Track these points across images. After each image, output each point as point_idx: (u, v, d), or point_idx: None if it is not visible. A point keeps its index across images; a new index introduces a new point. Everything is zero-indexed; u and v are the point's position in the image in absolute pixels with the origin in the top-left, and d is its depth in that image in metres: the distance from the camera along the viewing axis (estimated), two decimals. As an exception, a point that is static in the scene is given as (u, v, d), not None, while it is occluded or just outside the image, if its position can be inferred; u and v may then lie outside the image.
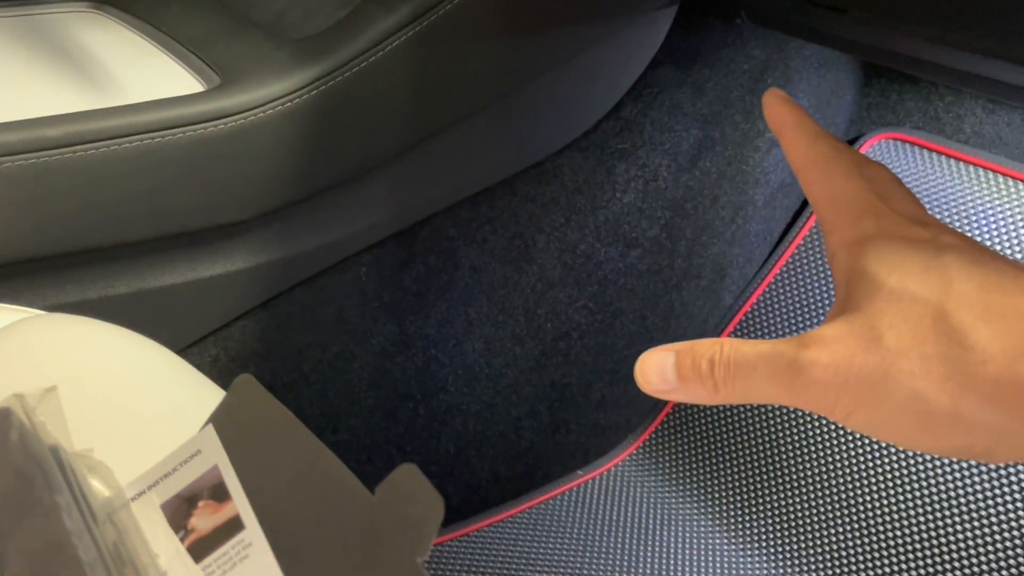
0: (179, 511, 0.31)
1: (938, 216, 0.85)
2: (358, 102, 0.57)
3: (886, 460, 0.76)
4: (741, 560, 0.78)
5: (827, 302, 0.87)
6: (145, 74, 0.58)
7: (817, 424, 0.82)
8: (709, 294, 0.89)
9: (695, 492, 0.84)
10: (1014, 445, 0.24)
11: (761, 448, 0.84)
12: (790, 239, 0.92)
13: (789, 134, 0.33)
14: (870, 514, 0.73)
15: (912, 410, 0.25)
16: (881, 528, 0.73)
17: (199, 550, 0.31)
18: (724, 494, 0.82)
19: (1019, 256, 0.76)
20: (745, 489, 0.82)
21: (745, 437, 0.85)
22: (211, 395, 0.42)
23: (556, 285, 0.77)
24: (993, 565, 0.66)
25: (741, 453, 0.85)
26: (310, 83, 0.55)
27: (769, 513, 0.79)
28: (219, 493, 0.31)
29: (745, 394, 0.27)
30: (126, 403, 0.38)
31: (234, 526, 0.30)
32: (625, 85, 0.72)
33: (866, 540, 0.73)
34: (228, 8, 0.64)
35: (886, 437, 0.26)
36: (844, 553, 0.74)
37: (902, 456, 0.74)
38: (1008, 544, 0.66)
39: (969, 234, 0.81)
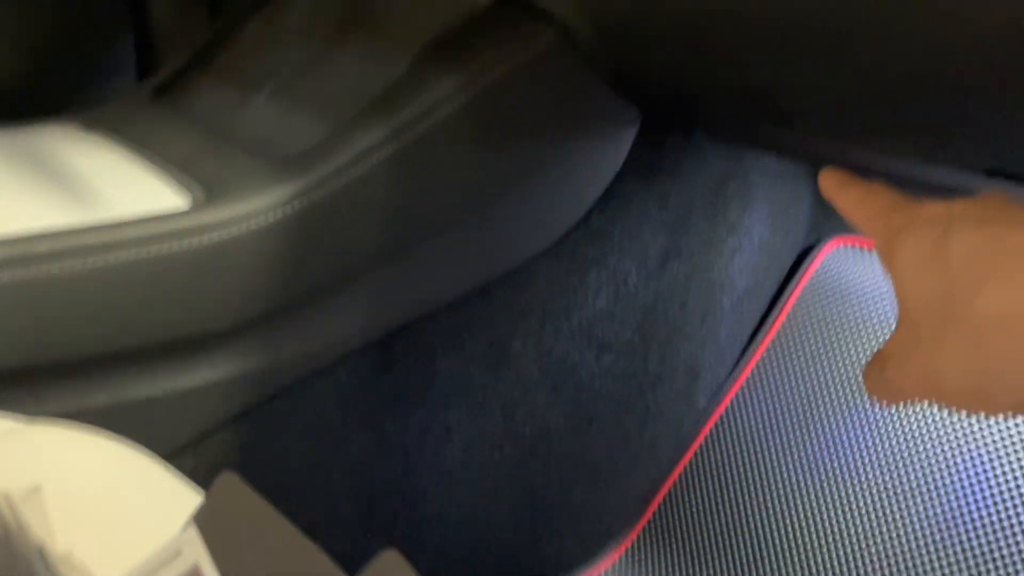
0: (160, 612, 0.31)
1: (892, 315, 0.88)
2: (338, 216, 0.60)
3: None
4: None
5: (798, 401, 0.88)
6: (130, 191, 0.60)
7: (798, 541, 0.82)
8: (683, 397, 0.90)
9: (679, 599, 0.82)
10: None
11: (743, 560, 0.83)
12: (759, 342, 0.94)
13: (836, 191, 0.38)
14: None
15: (962, 394, 0.29)
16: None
17: (180, 651, 0.30)
18: (709, 599, 0.81)
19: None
20: (729, 593, 0.81)
21: (726, 549, 0.84)
22: (192, 498, 0.42)
23: (533, 389, 0.78)
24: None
25: (722, 565, 0.84)
26: (291, 198, 0.58)
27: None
28: (201, 592, 0.31)
29: (894, 400, 0.34)
30: (106, 506, 0.38)
31: (216, 625, 0.30)
32: (593, 195, 0.75)
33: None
34: (212, 129, 0.67)
35: (961, 409, 0.31)
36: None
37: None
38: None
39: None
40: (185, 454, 0.61)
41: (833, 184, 0.39)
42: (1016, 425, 0.79)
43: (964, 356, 0.28)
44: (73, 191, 0.59)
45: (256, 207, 0.57)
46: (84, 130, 0.69)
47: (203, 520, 0.34)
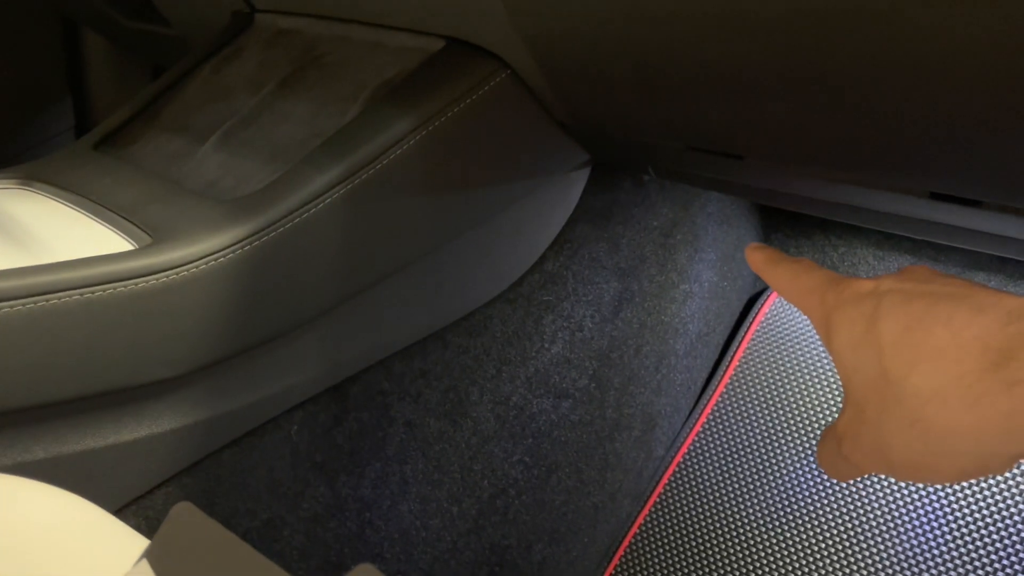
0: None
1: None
2: (290, 257, 0.58)
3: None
4: None
5: (754, 447, 0.88)
6: (75, 238, 0.58)
7: None
8: (641, 445, 0.90)
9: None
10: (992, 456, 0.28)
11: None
12: (712, 389, 0.94)
13: (764, 268, 0.39)
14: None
15: (913, 468, 0.29)
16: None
17: None
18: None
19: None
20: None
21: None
22: (139, 545, 0.39)
23: (491, 439, 0.76)
24: None
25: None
26: (243, 239, 0.56)
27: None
28: (156, 627, 0.29)
29: (845, 478, 0.36)
30: (51, 553, 0.35)
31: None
32: (546, 240, 0.76)
33: None
34: (160, 178, 0.65)
35: (903, 480, 0.32)
36: None
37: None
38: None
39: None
40: (128, 512, 0.58)
41: (761, 261, 0.40)
42: (968, 459, 0.80)
43: (905, 432, 0.29)
44: (13, 238, 0.56)
45: (206, 249, 0.55)
46: (24, 180, 0.67)
47: (156, 554, 0.31)
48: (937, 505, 0.79)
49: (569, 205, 0.77)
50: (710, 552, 0.84)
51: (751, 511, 0.85)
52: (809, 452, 0.86)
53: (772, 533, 0.83)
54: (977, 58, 0.38)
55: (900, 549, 0.77)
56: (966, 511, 0.77)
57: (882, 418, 0.29)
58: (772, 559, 0.81)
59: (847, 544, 0.79)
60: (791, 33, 0.44)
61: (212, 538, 0.30)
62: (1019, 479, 0.77)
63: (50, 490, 0.40)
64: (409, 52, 0.66)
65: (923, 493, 0.79)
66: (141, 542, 0.40)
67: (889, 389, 0.28)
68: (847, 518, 0.81)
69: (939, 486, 0.80)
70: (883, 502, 0.80)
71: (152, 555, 0.31)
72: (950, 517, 0.77)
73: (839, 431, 0.33)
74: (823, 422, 0.86)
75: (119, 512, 0.57)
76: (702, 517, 0.87)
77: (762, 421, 0.90)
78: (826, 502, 0.82)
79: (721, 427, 0.91)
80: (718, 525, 0.85)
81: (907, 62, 0.43)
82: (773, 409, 0.90)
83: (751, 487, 0.86)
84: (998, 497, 0.77)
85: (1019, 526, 0.75)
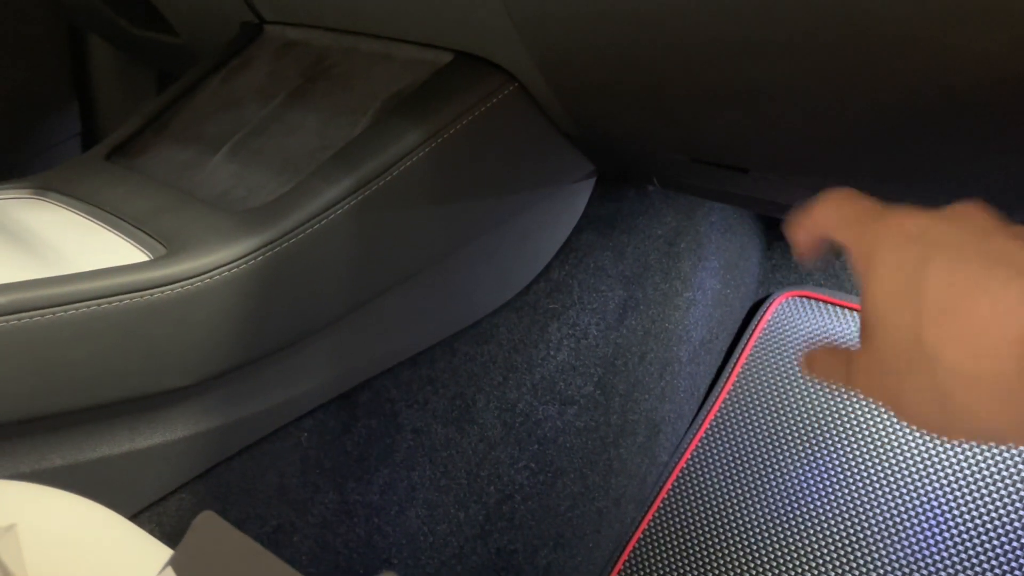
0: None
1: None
2: (302, 268, 0.59)
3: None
4: None
5: (757, 452, 0.89)
6: (89, 248, 0.59)
7: None
8: (645, 451, 0.90)
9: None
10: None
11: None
12: (715, 396, 0.95)
13: (799, 233, 0.36)
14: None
15: (920, 421, 0.30)
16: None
17: None
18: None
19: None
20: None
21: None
22: (159, 553, 0.40)
23: (497, 445, 0.77)
24: None
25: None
26: (255, 250, 0.57)
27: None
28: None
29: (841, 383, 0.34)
30: (75, 558, 0.36)
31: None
32: (552, 249, 0.76)
33: None
34: (172, 187, 0.66)
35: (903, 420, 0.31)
36: None
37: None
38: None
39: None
40: (142, 518, 0.59)
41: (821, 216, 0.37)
42: (974, 470, 0.81)
43: (926, 397, 0.28)
44: (29, 247, 0.57)
45: (219, 259, 0.56)
46: (38, 190, 0.68)
47: (181, 562, 0.32)
48: (941, 510, 0.79)
49: (575, 214, 0.78)
50: (714, 557, 0.85)
51: (754, 516, 0.85)
52: (812, 459, 0.87)
53: (775, 538, 0.83)
54: (985, 80, 0.39)
55: (904, 554, 0.78)
56: (969, 516, 0.78)
57: (905, 375, 0.29)
58: (776, 563, 0.82)
59: (850, 548, 0.80)
60: (799, 56, 0.45)
61: (236, 547, 0.31)
62: (1020, 485, 0.78)
63: (70, 498, 0.41)
64: (418, 64, 0.67)
65: (928, 499, 0.80)
66: (160, 549, 0.41)
67: (921, 354, 0.28)
68: (850, 522, 0.81)
69: (942, 490, 0.80)
70: (887, 507, 0.81)
71: (177, 563, 0.32)
72: (953, 522, 0.78)
73: (854, 361, 0.32)
74: (826, 427, 0.87)
75: (133, 518, 0.58)
76: (706, 522, 0.88)
77: (765, 427, 0.90)
78: (829, 507, 0.83)
79: (724, 433, 0.92)
80: (722, 530, 0.86)
81: (911, 81, 0.44)
82: (776, 415, 0.91)
83: (754, 492, 0.87)
84: (999, 504, 0.78)
85: (1019, 532, 0.76)
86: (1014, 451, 0.79)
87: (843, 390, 0.35)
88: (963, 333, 0.27)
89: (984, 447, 0.80)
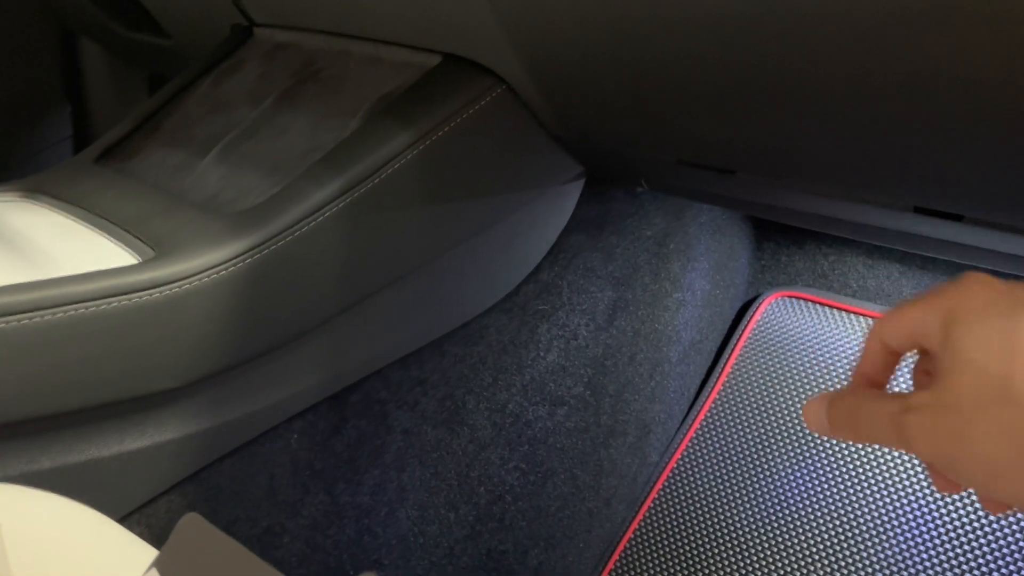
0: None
1: (832, 363, 0.91)
2: (291, 269, 0.60)
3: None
4: None
5: (747, 452, 0.90)
6: (79, 251, 0.59)
7: None
8: (635, 451, 0.91)
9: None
10: None
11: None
12: (705, 396, 0.96)
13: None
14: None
15: (984, 463, 0.30)
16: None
17: None
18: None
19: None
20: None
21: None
22: (146, 554, 0.40)
23: (488, 446, 0.77)
24: None
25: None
26: (244, 252, 0.57)
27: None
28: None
29: (871, 438, 0.35)
30: (61, 559, 0.36)
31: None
32: (542, 250, 0.77)
33: None
34: (159, 189, 0.66)
35: (970, 485, 0.31)
36: None
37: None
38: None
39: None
40: (131, 520, 0.59)
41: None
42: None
43: (1000, 431, 0.29)
44: (19, 250, 0.57)
45: (208, 262, 0.56)
46: (28, 193, 0.68)
47: (165, 563, 0.33)
48: (927, 510, 0.80)
49: (564, 216, 0.78)
50: (704, 556, 0.86)
51: (744, 515, 0.86)
52: (801, 458, 0.87)
53: (765, 537, 0.84)
54: (954, 84, 0.40)
55: (891, 553, 0.79)
56: (956, 515, 0.79)
57: (982, 412, 0.30)
58: (765, 562, 0.83)
59: (839, 547, 0.81)
60: (778, 56, 0.45)
61: (220, 548, 0.32)
62: (1006, 484, 0.78)
63: (57, 500, 0.41)
64: (407, 67, 0.67)
65: (913, 498, 0.81)
66: (147, 551, 0.41)
67: (1007, 392, 0.29)
68: (839, 522, 0.82)
69: (929, 489, 0.81)
70: (874, 506, 0.82)
71: (161, 564, 0.32)
72: (940, 521, 0.79)
73: (911, 402, 0.32)
74: (814, 428, 0.88)
75: (123, 520, 0.58)
76: (696, 522, 0.88)
77: (755, 427, 0.91)
78: (818, 506, 0.84)
79: (714, 433, 0.93)
80: (712, 530, 0.87)
81: (887, 84, 0.44)
82: (766, 415, 0.91)
83: (744, 492, 0.87)
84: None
85: (1006, 531, 0.76)
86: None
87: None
88: None
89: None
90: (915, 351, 0.36)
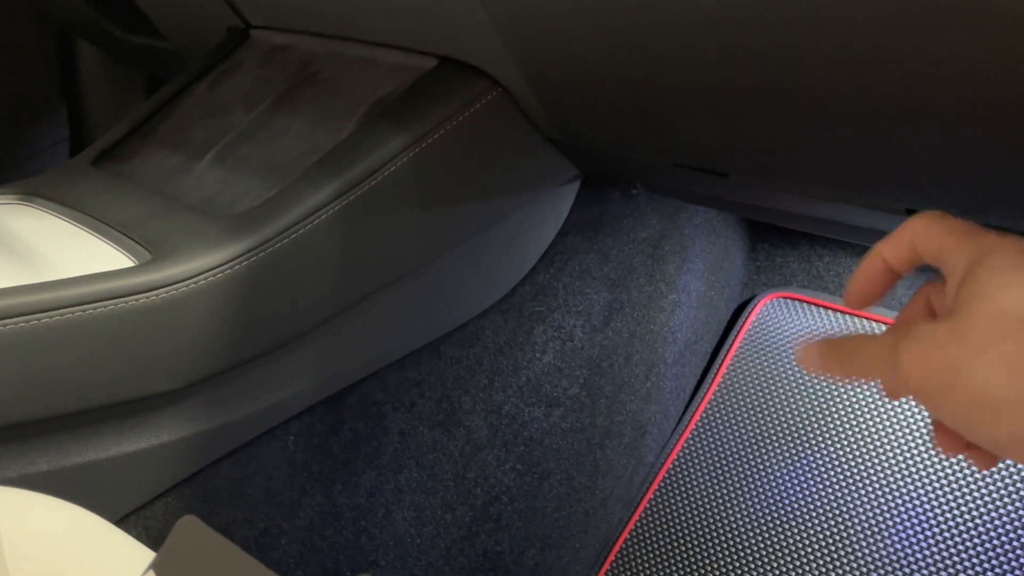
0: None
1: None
2: (287, 272, 0.60)
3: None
4: None
5: (742, 453, 0.90)
6: (75, 254, 0.59)
7: None
8: (631, 452, 0.91)
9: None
10: None
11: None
12: (701, 397, 0.96)
13: (874, 262, 0.37)
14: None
15: (981, 396, 0.29)
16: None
17: None
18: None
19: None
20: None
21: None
22: (143, 556, 0.40)
23: (484, 447, 0.78)
24: None
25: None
26: (241, 255, 0.58)
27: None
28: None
29: (861, 370, 0.34)
30: (59, 561, 0.36)
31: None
32: (537, 252, 0.77)
33: None
34: (159, 193, 0.66)
35: (954, 424, 0.30)
36: None
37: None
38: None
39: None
40: (128, 522, 0.59)
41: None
42: (955, 469, 0.82)
43: (999, 367, 0.28)
44: (16, 253, 0.58)
45: (205, 265, 0.56)
46: (24, 196, 0.68)
47: (162, 565, 0.33)
48: (923, 509, 0.80)
49: (559, 218, 0.78)
50: (700, 557, 0.86)
51: (740, 515, 0.86)
52: (796, 458, 0.88)
53: (761, 537, 0.84)
54: (951, 87, 0.40)
55: (887, 552, 0.79)
56: (951, 514, 0.79)
57: (992, 344, 0.29)
58: (761, 562, 0.83)
59: (835, 547, 0.81)
60: (774, 59, 0.46)
61: (217, 550, 0.32)
62: (999, 486, 0.79)
63: (55, 502, 0.42)
64: (403, 70, 0.68)
65: (910, 497, 0.81)
66: (144, 553, 0.41)
67: (1020, 329, 0.28)
68: (834, 521, 0.82)
69: (924, 489, 0.81)
70: (870, 505, 0.82)
71: (158, 567, 0.32)
72: (935, 520, 0.79)
73: (912, 332, 0.31)
74: (811, 428, 0.88)
75: (120, 522, 0.59)
76: (692, 522, 0.88)
77: (751, 427, 0.91)
78: (814, 506, 0.84)
79: (710, 433, 0.93)
80: (708, 530, 0.87)
81: (884, 86, 0.45)
82: (761, 415, 0.92)
83: (740, 492, 0.88)
84: (980, 502, 0.79)
85: (1000, 531, 0.77)
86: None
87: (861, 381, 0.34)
88: None
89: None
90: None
